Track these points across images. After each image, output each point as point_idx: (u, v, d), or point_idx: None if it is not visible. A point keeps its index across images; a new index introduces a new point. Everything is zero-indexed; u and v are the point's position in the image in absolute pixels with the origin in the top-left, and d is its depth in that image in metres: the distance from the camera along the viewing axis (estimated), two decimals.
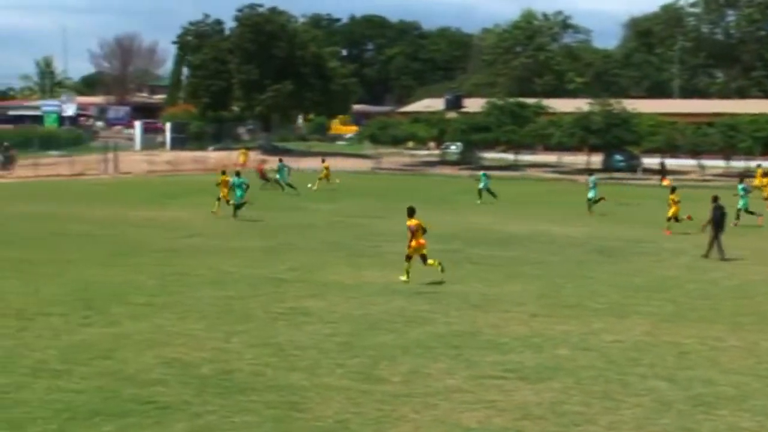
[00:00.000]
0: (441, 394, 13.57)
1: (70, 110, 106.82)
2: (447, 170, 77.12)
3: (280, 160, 56.85)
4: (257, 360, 15.16)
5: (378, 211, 41.60)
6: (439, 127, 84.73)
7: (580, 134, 75.58)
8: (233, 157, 76.69)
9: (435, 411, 12.86)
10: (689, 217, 34.14)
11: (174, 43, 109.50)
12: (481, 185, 48.37)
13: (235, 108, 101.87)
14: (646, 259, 28.16)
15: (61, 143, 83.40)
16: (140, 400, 12.93)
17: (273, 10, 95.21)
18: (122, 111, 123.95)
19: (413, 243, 22.78)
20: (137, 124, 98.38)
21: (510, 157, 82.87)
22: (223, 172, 41.72)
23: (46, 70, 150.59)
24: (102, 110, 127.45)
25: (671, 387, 14.16)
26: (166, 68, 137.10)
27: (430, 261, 22.88)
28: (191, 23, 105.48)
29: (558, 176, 72.67)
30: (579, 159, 78.00)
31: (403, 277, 22.73)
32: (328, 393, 13.47)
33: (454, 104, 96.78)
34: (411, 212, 23.07)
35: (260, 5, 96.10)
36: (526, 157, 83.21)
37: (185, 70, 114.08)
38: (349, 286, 22.05)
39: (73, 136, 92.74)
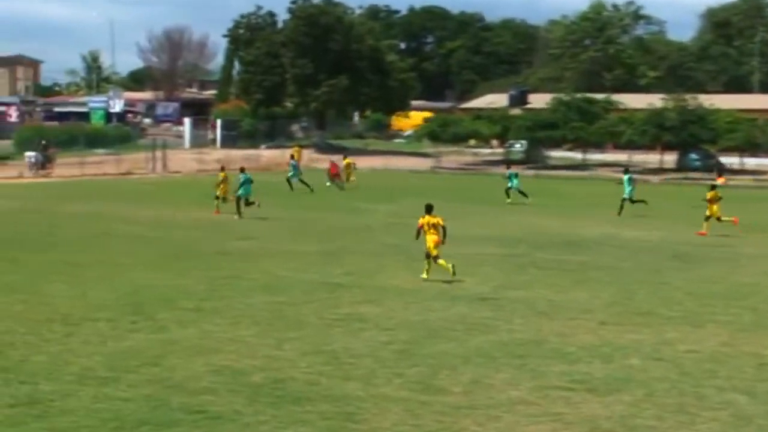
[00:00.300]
0: (504, 405, 13.52)
1: (117, 107, 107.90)
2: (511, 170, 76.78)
3: (292, 157, 57.20)
4: (311, 368, 15.20)
5: (438, 212, 41.44)
6: (502, 124, 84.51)
7: (653, 132, 74.99)
8: (286, 155, 77.07)
9: (498, 424, 12.81)
10: (735, 220, 34.06)
11: (225, 36, 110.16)
12: (510, 184, 48.17)
13: (289, 104, 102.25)
14: (724, 264, 27.84)
15: (107, 141, 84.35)
16: (189, 410, 13.01)
17: (328, 2, 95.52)
18: (171, 107, 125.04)
19: (426, 241, 23.65)
20: (186, 121, 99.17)
21: (578, 156, 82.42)
22: (222, 168, 42.61)
23: (92, 64, 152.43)
24: (150, 107, 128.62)
25: (750, 401, 13.99)
26: (217, 63, 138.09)
27: (440, 261, 23.49)
28: (243, 16, 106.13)
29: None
30: (651, 158, 77.39)
31: (423, 275, 23.59)
32: (385, 404, 13.47)
33: (519, 100, 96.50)
34: (428, 209, 24.11)
35: None
36: (595, 156, 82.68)
37: (236, 65, 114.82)
38: (408, 291, 22.05)
39: (120, 134, 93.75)
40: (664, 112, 75.28)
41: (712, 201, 34.93)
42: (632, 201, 42.09)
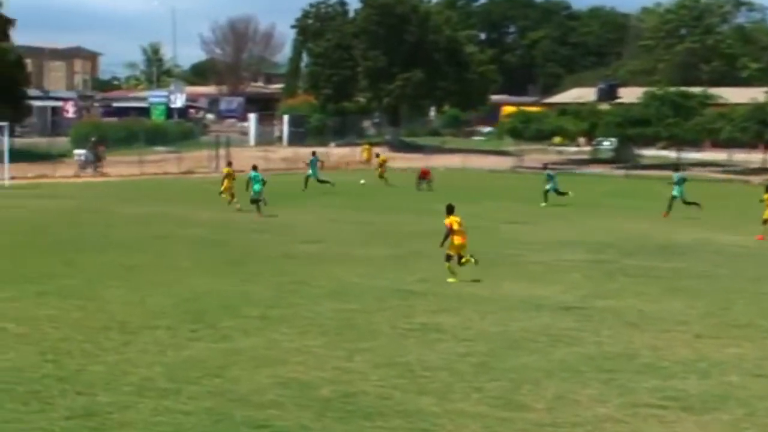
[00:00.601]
0: (590, 423, 13.42)
1: (178, 101, 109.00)
2: (599, 169, 76.40)
3: (313, 153, 57.39)
4: (383, 381, 15.20)
5: (519, 215, 41.42)
6: (589, 121, 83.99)
7: (755, 128, 73.95)
8: (357, 153, 77.42)
9: None
10: None
11: (293, 27, 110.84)
12: (547, 186, 47.65)
13: (360, 99, 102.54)
14: None
15: (168, 138, 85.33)
16: (254, 424, 13.08)
17: None
18: (235, 102, 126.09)
19: (454, 242, 24.19)
20: (251, 116, 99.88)
21: (672, 154, 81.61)
22: (229, 164, 44.23)
23: (153, 57, 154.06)
24: (213, 101, 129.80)
25: None
26: (284, 55, 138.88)
27: (464, 259, 24.26)
28: (312, 5, 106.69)
29: (728, 177, 71.27)
30: (753, 157, 76.44)
31: (451, 279, 24.04)
32: (462, 420, 13.44)
33: (608, 94, 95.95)
34: (449, 210, 24.66)
35: None
36: (691, 155, 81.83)
37: (305, 57, 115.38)
38: (487, 300, 21.98)
39: (181, 131, 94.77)
40: (767, 107, 74.24)
41: None
42: (685, 202, 42.09)
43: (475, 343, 17.78)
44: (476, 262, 24.33)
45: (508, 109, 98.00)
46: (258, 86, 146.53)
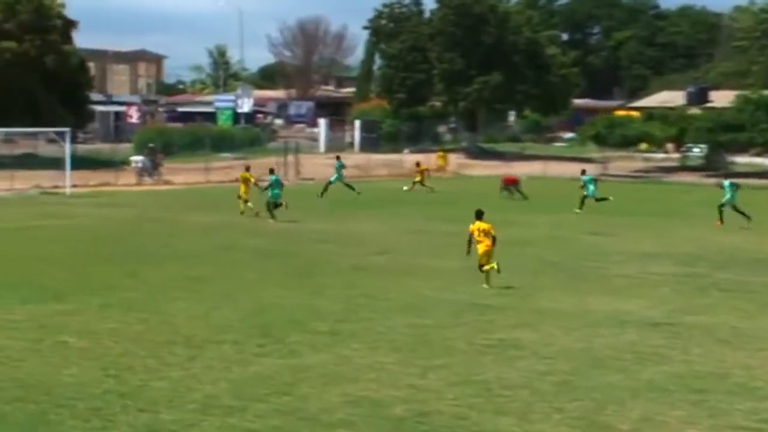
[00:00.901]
0: None
1: (245, 106, 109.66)
2: (688, 177, 75.66)
3: (338, 158, 57.48)
4: (459, 400, 15.17)
5: (604, 225, 41.14)
6: (678, 126, 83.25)
7: None
8: (432, 160, 77.36)
9: None
10: None
11: (365, 27, 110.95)
12: (587, 192, 47.21)
13: (435, 103, 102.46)
14: None
15: (235, 144, 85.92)
16: None
17: None
18: (304, 107, 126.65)
19: (480, 249, 25.16)
20: (322, 122, 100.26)
21: (767, 161, 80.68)
22: (247, 168, 44.64)
23: (219, 60, 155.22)
24: (282, 106, 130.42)
25: None
26: (356, 57, 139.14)
27: (486, 267, 25.07)
28: (385, 5, 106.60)
29: None
30: None
31: (484, 285, 24.97)
32: None
33: (698, 98, 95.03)
34: (478, 215, 25.86)
35: None
36: None
37: (377, 60, 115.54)
38: (569, 315, 21.86)
39: (248, 136, 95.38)
40: None
41: None
42: (736, 210, 42.13)
43: (556, 361, 17.69)
44: (498, 270, 24.91)
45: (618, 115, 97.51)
46: (328, 90, 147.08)
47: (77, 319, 20.50)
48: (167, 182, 63.83)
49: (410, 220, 41.87)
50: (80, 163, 63.43)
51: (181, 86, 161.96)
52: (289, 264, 28.98)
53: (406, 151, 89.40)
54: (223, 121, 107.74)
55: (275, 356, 17.72)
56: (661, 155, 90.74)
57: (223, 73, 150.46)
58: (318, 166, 73.75)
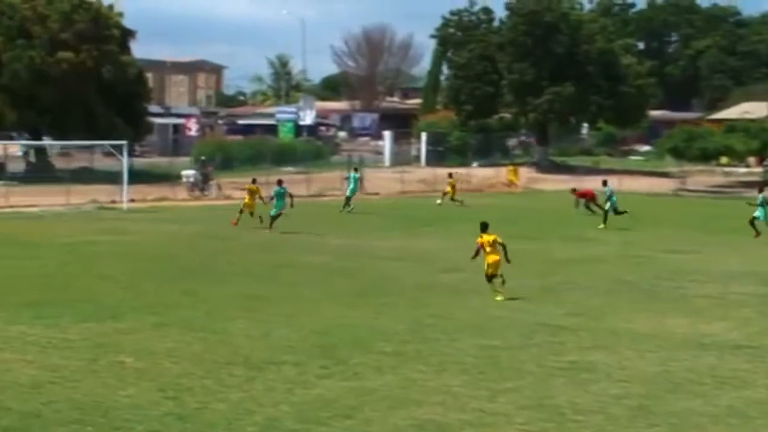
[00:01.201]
0: None
1: (308, 118, 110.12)
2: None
3: (355, 170, 57.50)
4: (530, 425, 15.12)
5: (682, 243, 40.84)
6: (761, 139, 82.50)
7: None
8: (501, 174, 77.25)
9: None
10: None
11: (432, 36, 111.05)
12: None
13: (505, 115, 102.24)
14: None
15: (297, 158, 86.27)
16: None
17: None
18: (369, 119, 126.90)
19: (488, 260, 26.14)
20: (386, 134, 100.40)
21: None
22: (254, 180, 46.98)
23: (281, 70, 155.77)
24: (345, 118, 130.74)
25: None
26: (422, 67, 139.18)
27: (495, 280, 26.20)
28: (454, 12, 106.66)
29: None
30: None
31: (498, 297, 25.93)
32: None
33: None
34: (483, 227, 26.68)
35: None
36: None
37: (444, 70, 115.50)
38: (645, 337, 21.70)
39: (310, 149, 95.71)
40: None
41: None
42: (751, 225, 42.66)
43: (631, 385, 17.58)
44: (503, 282, 26.07)
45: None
46: (393, 101, 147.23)
47: (134, 338, 20.68)
48: (226, 197, 64.13)
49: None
50: (137, 177, 64.02)
51: (241, 98, 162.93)
52: (353, 282, 29.03)
53: (474, 164, 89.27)
54: (285, 134, 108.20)
55: (338, 378, 17.75)
56: (742, 169, 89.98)
57: (284, 84, 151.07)
58: (382, 180, 73.93)
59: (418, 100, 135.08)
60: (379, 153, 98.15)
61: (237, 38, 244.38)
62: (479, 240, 26.43)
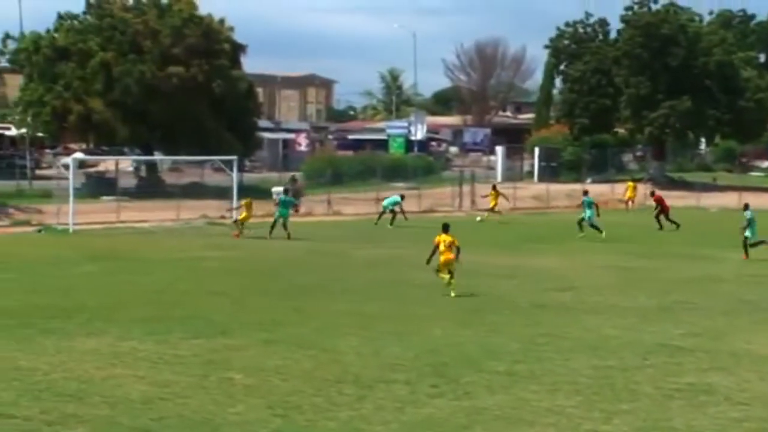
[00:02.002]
0: None
1: (419, 133, 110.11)
2: None
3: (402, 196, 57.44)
4: None
5: None
6: None
7: None
8: (618, 190, 76.59)
9: None
10: None
11: (546, 47, 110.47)
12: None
13: (620, 130, 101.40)
14: None
15: (408, 173, 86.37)
16: None
17: (670, 7, 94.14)
18: (481, 134, 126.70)
19: (441, 258, 29.30)
20: (499, 149, 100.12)
21: None
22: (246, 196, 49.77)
23: (392, 85, 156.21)
24: (457, 133, 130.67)
25: None
26: (534, 81, 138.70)
27: (442, 275, 29.45)
28: (569, 24, 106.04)
29: None
30: None
31: (449, 288, 29.17)
32: None
33: None
34: (445, 228, 29.80)
35: (655, 0, 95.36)
36: None
37: (557, 83, 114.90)
38: (766, 359, 21.39)
39: (421, 165, 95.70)
40: None
41: None
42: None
43: (752, 408, 17.34)
44: (450, 283, 29.12)
45: None
46: (506, 116, 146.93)
47: (243, 355, 20.87)
48: (336, 212, 64.48)
49: (596, 255, 41.53)
50: (247, 192, 64.55)
51: (351, 112, 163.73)
52: (464, 300, 28.99)
53: (588, 180, 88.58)
54: (395, 149, 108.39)
55: (449, 397, 17.74)
56: None
57: (395, 98, 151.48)
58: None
59: (530, 115, 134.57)
60: (491, 168, 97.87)
61: (348, 52, 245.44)
62: (437, 239, 29.41)
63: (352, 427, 15.82)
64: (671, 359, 21.16)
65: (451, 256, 29.12)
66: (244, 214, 48.78)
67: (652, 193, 57.04)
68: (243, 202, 49.90)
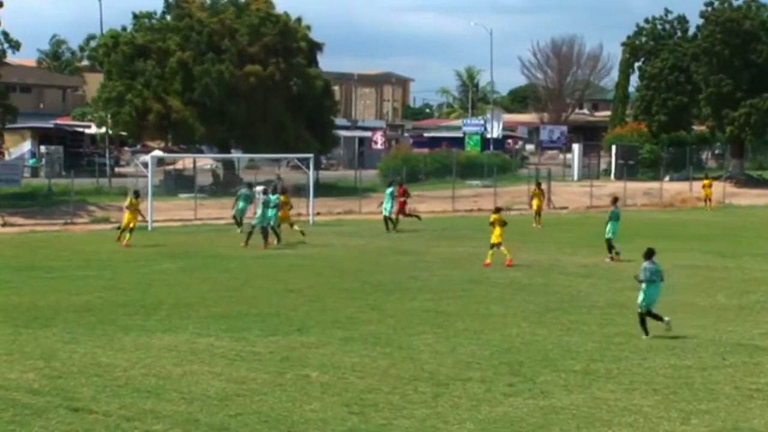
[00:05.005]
0: None
1: (495, 131, 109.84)
2: None
3: (390, 185, 53.53)
4: None
5: None
6: None
7: None
8: (696, 188, 75.93)
9: None
10: None
11: (623, 44, 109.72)
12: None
13: (699, 128, 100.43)
14: None
15: (483, 171, 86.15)
16: None
17: (752, 2, 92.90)
18: (557, 132, 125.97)
19: (494, 234, 36.34)
20: (575, 147, 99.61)
21: None
22: (283, 191, 47.74)
23: (469, 82, 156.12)
24: (533, 131, 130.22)
25: None
26: (611, 78, 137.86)
27: (503, 248, 36.28)
28: (647, 20, 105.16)
29: None
30: None
31: (488, 260, 36.14)
32: None
33: None
34: (497, 210, 38.38)
35: None
36: None
37: (634, 80, 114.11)
38: None
39: (496, 163, 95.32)
40: None
41: None
42: None
43: None
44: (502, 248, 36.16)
45: None
46: (582, 114, 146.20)
47: (320, 352, 20.97)
48: (410, 211, 64.37)
49: (674, 254, 41.11)
50: (323, 190, 64.90)
51: (427, 110, 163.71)
52: (541, 298, 28.93)
53: (666, 179, 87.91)
54: (471, 147, 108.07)
55: (525, 396, 17.71)
56: None
57: (471, 96, 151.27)
58: (571, 194, 73.44)
59: (607, 112, 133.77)
60: (568, 166, 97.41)
61: (424, 50, 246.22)
62: (492, 217, 37.14)
63: (428, 425, 15.84)
64: (750, 359, 20.98)
65: (501, 229, 36.40)
66: (283, 213, 46.02)
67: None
68: (282, 198, 46.74)
